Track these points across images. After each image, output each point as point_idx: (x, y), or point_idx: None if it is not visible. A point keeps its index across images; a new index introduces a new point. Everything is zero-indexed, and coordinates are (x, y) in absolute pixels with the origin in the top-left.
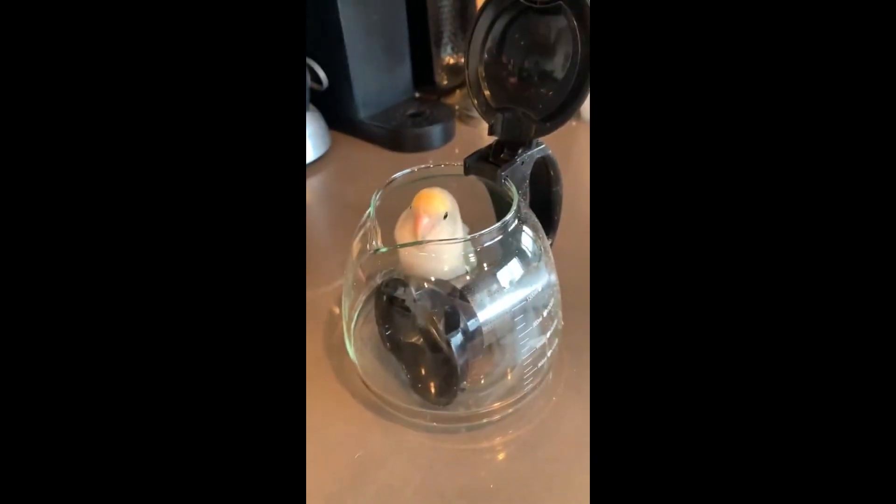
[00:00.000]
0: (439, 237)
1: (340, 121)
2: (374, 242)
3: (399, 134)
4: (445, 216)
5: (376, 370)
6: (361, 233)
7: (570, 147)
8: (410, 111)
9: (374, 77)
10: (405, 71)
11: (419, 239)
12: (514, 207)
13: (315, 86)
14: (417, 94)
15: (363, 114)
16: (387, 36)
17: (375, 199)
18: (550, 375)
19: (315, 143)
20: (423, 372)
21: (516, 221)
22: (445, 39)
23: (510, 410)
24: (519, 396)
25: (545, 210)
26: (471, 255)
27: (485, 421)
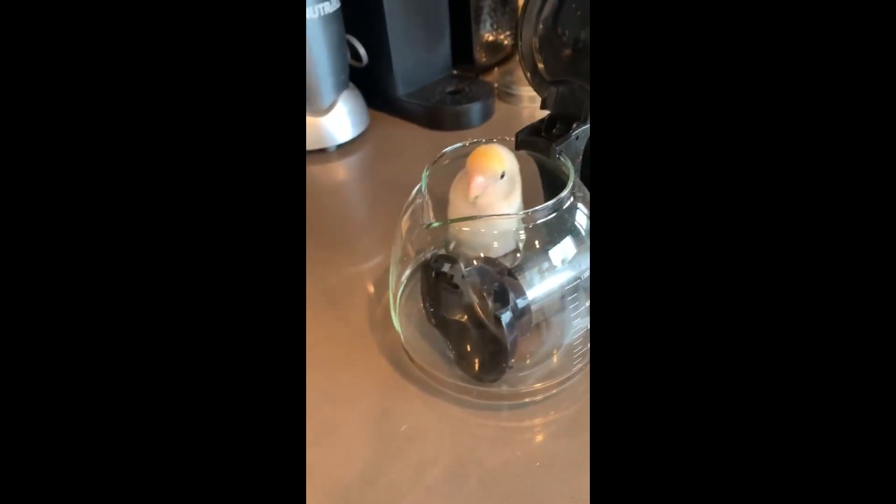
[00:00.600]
0: (495, 198)
1: (379, 99)
2: (427, 217)
3: (438, 111)
4: (503, 175)
5: (420, 344)
6: (411, 209)
7: None
8: (449, 88)
9: (414, 54)
10: (444, 48)
11: (471, 199)
12: (570, 184)
13: (355, 62)
14: (456, 72)
15: (402, 91)
16: (427, 13)
17: (426, 175)
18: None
19: (353, 121)
20: (468, 349)
21: (571, 199)
22: (485, 16)
23: (554, 391)
24: (566, 377)
25: None
26: (521, 231)
27: (527, 400)
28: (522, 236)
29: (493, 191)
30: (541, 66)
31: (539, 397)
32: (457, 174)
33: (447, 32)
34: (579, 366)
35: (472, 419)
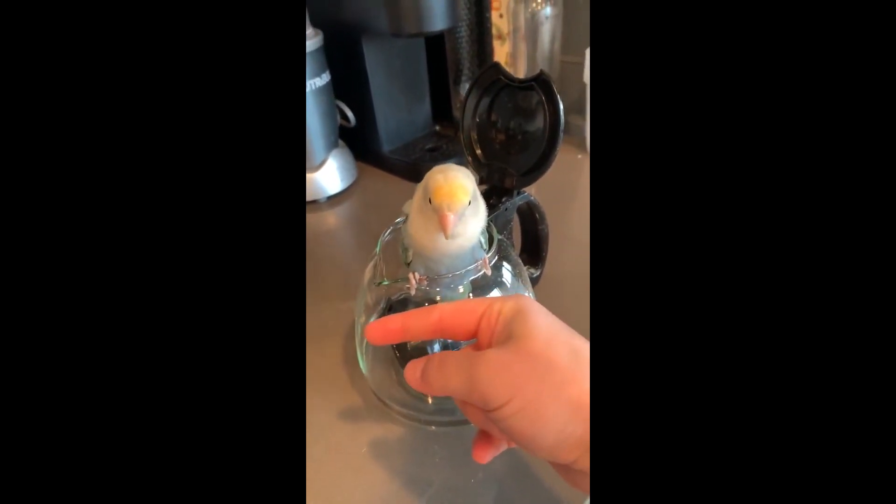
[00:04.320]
0: (467, 224)
1: (366, 154)
2: (378, 276)
3: (418, 167)
4: (469, 203)
5: (384, 381)
6: (373, 262)
7: (578, 178)
8: (429, 145)
9: (396, 115)
10: (425, 108)
11: (449, 237)
12: (493, 247)
13: (344, 123)
14: (438, 128)
15: (386, 147)
16: (407, 78)
17: (383, 238)
18: None
19: (343, 175)
20: None
21: (496, 258)
22: (464, 77)
23: None
24: None
25: (534, 246)
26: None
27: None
28: (485, 249)
29: (465, 218)
30: (478, 151)
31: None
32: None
33: (426, 94)
34: None
35: (431, 445)
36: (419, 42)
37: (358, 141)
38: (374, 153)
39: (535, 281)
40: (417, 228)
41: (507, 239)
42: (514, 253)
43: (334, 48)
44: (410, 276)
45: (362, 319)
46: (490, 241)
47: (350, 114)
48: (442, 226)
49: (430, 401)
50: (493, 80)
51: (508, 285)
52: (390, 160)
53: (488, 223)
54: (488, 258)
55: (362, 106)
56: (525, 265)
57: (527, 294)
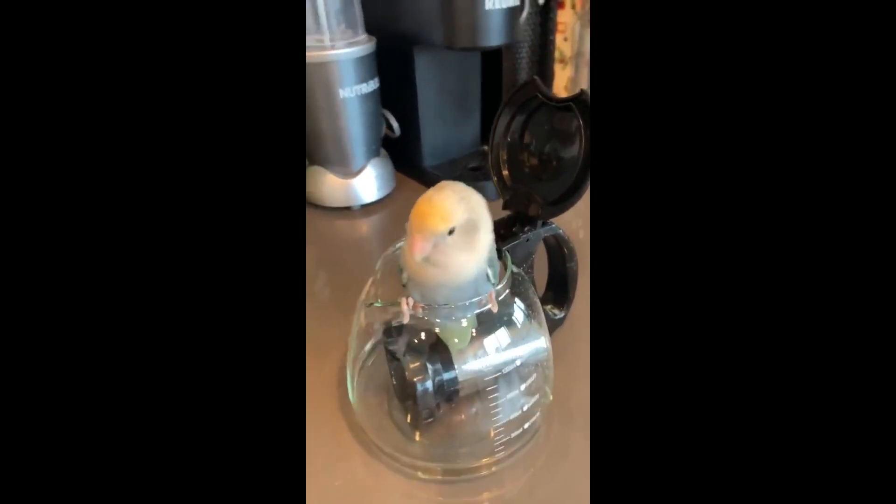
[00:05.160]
0: (451, 253)
1: (407, 166)
2: (370, 297)
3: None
4: (451, 232)
5: (373, 415)
6: (371, 280)
7: None
8: (472, 164)
9: (442, 130)
10: (473, 126)
11: (417, 259)
12: (505, 279)
13: (389, 133)
14: (485, 147)
15: (428, 162)
16: (459, 94)
17: (385, 255)
18: (537, 440)
19: (380, 184)
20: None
21: (507, 292)
22: None
23: (493, 469)
24: (499, 458)
25: (561, 285)
26: (491, 271)
27: (464, 477)
28: (493, 282)
29: (444, 248)
30: (505, 172)
31: (483, 473)
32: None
33: (477, 112)
34: (514, 447)
35: (410, 489)
36: (474, 57)
37: (400, 151)
38: (415, 166)
39: (558, 323)
40: (406, 249)
41: (526, 273)
42: (533, 290)
43: (386, 56)
44: (403, 301)
45: (354, 343)
46: (504, 272)
47: (395, 124)
48: (411, 248)
49: (417, 437)
50: (529, 96)
51: (519, 324)
52: (430, 175)
53: (504, 253)
54: (495, 293)
55: (409, 117)
56: (549, 305)
57: (541, 338)
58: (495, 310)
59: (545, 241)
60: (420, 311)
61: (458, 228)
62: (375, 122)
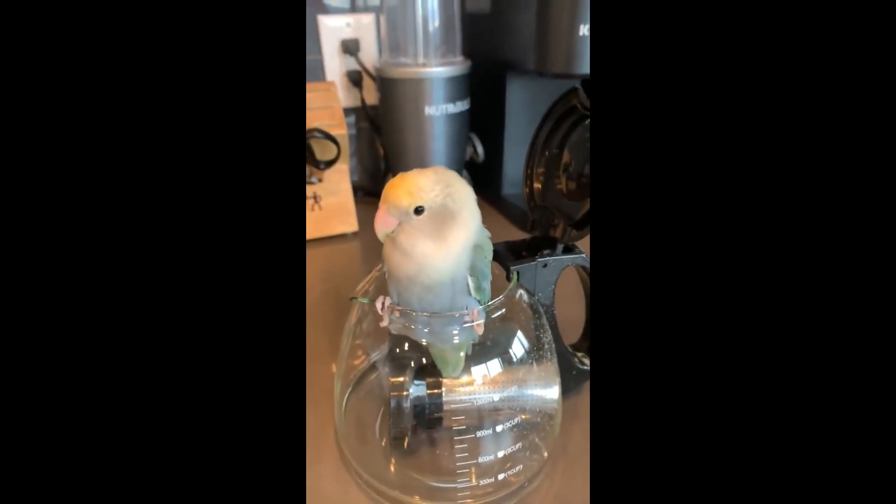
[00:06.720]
0: (416, 237)
1: (485, 191)
2: (362, 293)
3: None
4: (418, 211)
5: (357, 444)
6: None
7: None
8: None
9: None
10: None
11: (379, 235)
12: (498, 300)
13: (473, 156)
14: None
15: (507, 190)
16: None
17: (369, 293)
18: (535, 483)
19: None
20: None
21: (500, 312)
22: None
23: None
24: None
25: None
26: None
27: None
28: (478, 299)
29: (410, 229)
30: (537, 185)
31: None
32: None
33: None
34: (489, 490)
35: None
36: (567, 87)
37: (481, 177)
38: (493, 192)
39: (587, 375)
40: (386, 247)
41: (546, 309)
42: (553, 329)
43: (481, 80)
44: (378, 301)
45: (344, 364)
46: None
47: (480, 148)
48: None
49: (392, 468)
50: (569, 107)
51: (515, 359)
52: (506, 203)
53: (511, 273)
54: (478, 311)
55: (495, 142)
56: (581, 353)
57: (551, 387)
58: (479, 331)
59: (581, 276)
60: (397, 314)
61: (428, 211)
62: (460, 143)
